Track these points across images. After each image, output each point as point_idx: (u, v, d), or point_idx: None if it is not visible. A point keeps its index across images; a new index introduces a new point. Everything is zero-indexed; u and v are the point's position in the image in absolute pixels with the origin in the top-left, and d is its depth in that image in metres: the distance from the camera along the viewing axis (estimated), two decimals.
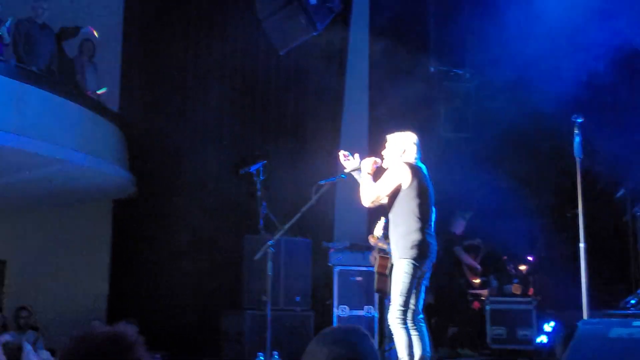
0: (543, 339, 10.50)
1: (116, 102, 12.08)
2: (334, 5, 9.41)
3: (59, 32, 10.85)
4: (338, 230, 12.41)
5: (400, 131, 6.84)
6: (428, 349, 6.58)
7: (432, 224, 6.62)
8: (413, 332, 6.43)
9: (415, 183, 6.45)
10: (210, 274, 11.66)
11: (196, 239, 11.72)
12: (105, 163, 10.34)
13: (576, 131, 6.77)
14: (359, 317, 10.14)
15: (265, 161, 9.79)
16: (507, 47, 10.89)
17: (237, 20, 12.29)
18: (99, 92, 11.25)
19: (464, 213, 11.52)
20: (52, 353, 9.92)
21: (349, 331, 2.63)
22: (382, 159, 6.74)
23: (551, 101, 10.61)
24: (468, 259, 11.41)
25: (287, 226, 7.71)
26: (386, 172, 6.56)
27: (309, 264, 10.39)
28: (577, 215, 6.92)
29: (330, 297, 10.29)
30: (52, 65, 10.37)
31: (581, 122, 6.76)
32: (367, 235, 7.74)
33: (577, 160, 6.78)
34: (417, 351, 6.42)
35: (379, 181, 6.54)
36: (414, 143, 6.70)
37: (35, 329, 10.67)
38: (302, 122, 12.62)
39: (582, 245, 6.66)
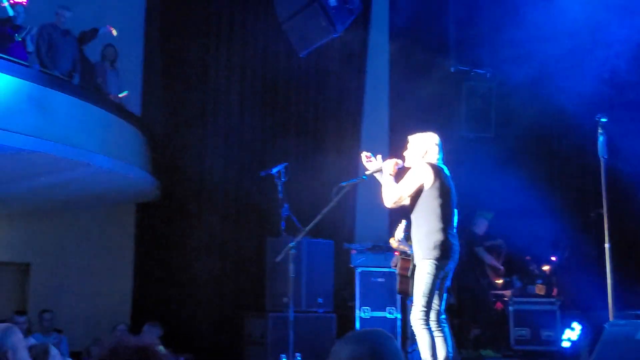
0: (570, 336, 10.40)
1: (138, 106, 12.13)
2: (354, 6, 9.40)
3: (79, 37, 10.92)
4: (359, 232, 12.40)
5: (422, 132, 6.82)
6: (451, 350, 6.56)
7: (455, 224, 6.59)
8: (436, 334, 6.40)
9: (437, 183, 6.43)
10: (233, 276, 11.69)
11: (219, 241, 11.76)
12: (128, 166, 10.37)
13: (600, 130, 6.72)
14: (381, 318, 10.12)
15: (287, 163, 9.78)
16: (528, 46, 10.85)
17: (258, 23, 12.31)
18: (120, 95, 11.30)
19: (485, 213, 11.48)
20: (77, 356, 9.96)
21: (372, 332, 2.63)
22: (403, 160, 6.72)
23: (573, 100, 10.56)
24: (490, 260, 11.36)
25: (308, 228, 7.70)
26: (408, 173, 6.54)
27: (331, 265, 10.38)
28: (601, 215, 6.87)
29: (353, 298, 10.27)
30: (74, 70, 10.44)
31: (605, 121, 6.70)
32: (389, 237, 7.73)
33: (602, 160, 6.72)
34: (441, 352, 6.39)
35: (401, 182, 6.52)
36: (436, 144, 6.67)
37: (59, 331, 10.75)
38: (323, 123, 12.62)
39: (607, 245, 6.60)
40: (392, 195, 6.52)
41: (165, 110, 12.17)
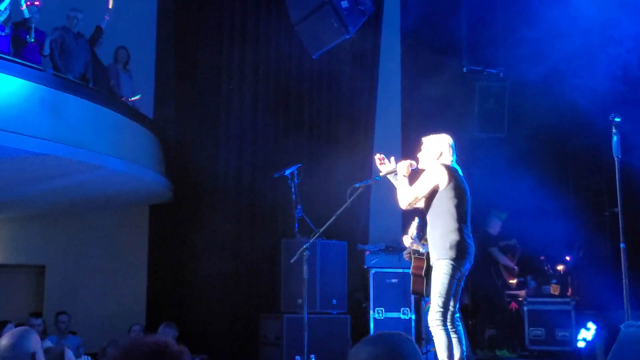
0: (585, 336, 10.37)
1: (151, 108, 12.17)
2: (366, 7, 9.40)
3: (88, 39, 10.95)
4: (373, 233, 12.39)
5: (434, 132, 6.81)
6: (465, 349, 6.55)
7: (470, 224, 6.59)
8: (452, 335, 6.40)
9: (452, 184, 6.43)
10: (248, 277, 11.70)
11: (233, 243, 11.77)
12: (141, 169, 10.40)
13: (614, 130, 6.70)
14: (395, 319, 10.12)
15: (300, 164, 9.80)
16: (540, 45, 10.82)
17: (270, 24, 12.32)
18: (133, 98, 11.34)
19: (499, 213, 11.46)
20: (92, 357, 10.00)
21: (391, 334, 2.64)
22: (417, 161, 6.72)
23: (587, 98, 10.54)
24: (505, 260, 11.34)
25: (322, 229, 7.71)
26: (423, 174, 6.53)
27: (344, 266, 10.37)
28: (616, 214, 6.84)
29: (367, 299, 10.27)
30: (87, 73, 10.48)
31: (619, 121, 6.68)
32: (402, 237, 7.72)
33: (616, 159, 6.70)
34: (456, 353, 6.39)
35: (416, 183, 6.52)
36: (450, 145, 6.67)
37: (73, 333, 10.79)
38: (336, 124, 12.62)
39: (622, 245, 6.58)
40: (407, 196, 6.52)
41: (178, 112, 12.19)
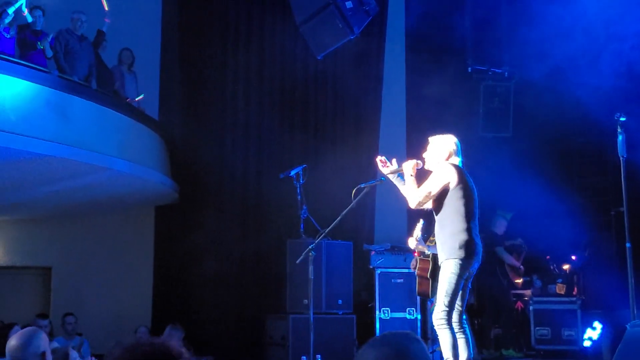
0: (591, 335, 10.36)
1: (156, 109, 12.18)
2: (370, 8, 9.40)
3: (92, 42, 10.96)
4: (378, 233, 12.39)
5: (439, 132, 6.81)
6: (472, 351, 6.55)
7: (477, 224, 6.59)
8: (459, 335, 6.40)
9: (462, 184, 6.43)
10: (253, 278, 11.70)
11: (238, 243, 11.78)
12: (147, 170, 10.42)
13: (619, 130, 6.70)
14: (401, 319, 10.13)
15: (305, 165, 9.80)
16: (545, 44, 10.82)
17: (275, 25, 12.32)
18: (137, 98, 11.34)
19: (505, 213, 11.45)
20: (99, 359, 10.02)
21: (399, 335, 2.64)
22: (423, 161, 6.71)
23: (592, 98, 10.52)
24: (510, 259, 11.33)
25: (328, 229, 7.72)
26: (433, 174, 6.52)
27: (350, 267, 10.38)
28: (621, 214, 6.84)
29: (372, 299, 10.28)
30: (91, 75, 10.50)
31: (624, 120, 6.68)
32: (408, 238, 7.73)
33: (621, 159, 6.70)
34: (463, 354, 6.38)
35: (426, 182, 6.50)
36: (456, 145, 6.67)
37: (79, 335, 10.81)
38: (341, 125, 12.62)
39: (628, 245, 6.58)
40: (417, 195, 6.50)
41: (183, 113, 12.20)
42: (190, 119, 12.12)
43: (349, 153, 12.07)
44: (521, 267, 11.45)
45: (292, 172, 9.71)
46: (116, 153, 9.58)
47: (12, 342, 4.04)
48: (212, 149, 11.97)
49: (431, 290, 7.82)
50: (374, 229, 12.48)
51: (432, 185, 6.46)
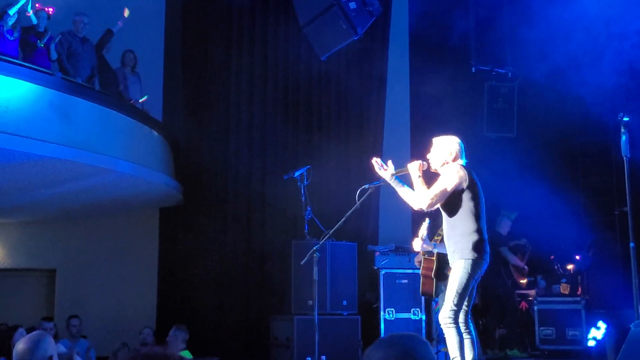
0: (595, 335, 10.35)
1: (160, 110, 12.18)
2: (374, 9, 9.40)
3: (97, 43, 10.97)
4: (383, 234, 12.39)
5: (443, 133, 6.80)
6: (477, 351, 6.55)
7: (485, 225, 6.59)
8: (465, 335, 6.39)
9: (472, 184, 6.43)
10: (258, 279, 11.71)
11: (243, 245, 11.79)
12: (151, 172, 10.42)
13: (623, 129, 6.69)
14: (405, 319, 10.13)
15: (309, 166, 9.81)
16: (548, 44, 10.81)
17: (278, 26, 12.33)
18: (140, 100, 11.35)
19: (509, 213, 11.45)
20: None
21: (404, 336, 2.64)
22: (427, 162, 6.69)
23: (596, 97, 10.51)
24: (515, 260, 11.33)
25: (332, 230, 7.72)
26: (445, 174, 6.48)
27: (354, 267, 10.39)
28: (625, 213, 6.84)
29: (377, 300, 10.28)
30: (94, 76, 10.51)
31: (627, 120, 6.67)
32: (412, 238, 7.72)
33: (625, 158, 6.69)
34: (468, 355, 6.38)
35: (438, 183, 6.46)
36: (460, 146, 6.65)
37: (84, 337, 10.82)
38: (345, 125, 12.62)
39: (631, 244, 6.57)
40: (428, 196, 6.43)
41: (186, 114, 12.22)
42: (194, 120, 12.12)
43: (353, 154, 12.08)
44: (525, 267, 11.44)
45: (296, 173, 9.72)
46: (120, 155, 9.58)
47: (20, 345, 4.05)
48: (216, 150, 11.97)
49: (435, 290, 7.83)
50: (378, 230, 12.48)
51: (446, 186, 6.40)
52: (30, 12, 9.64)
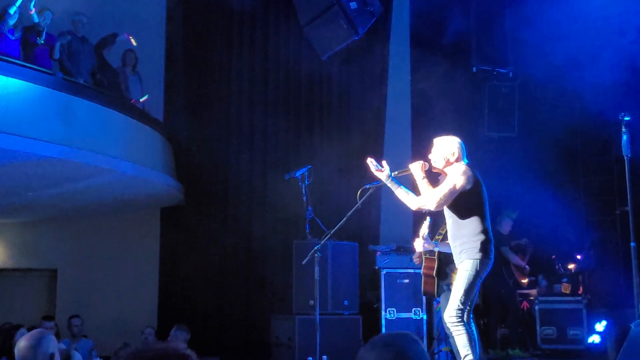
0: (595, 338, 10.37)
1: (161, 110, 12.18)
2: (375, 8, 9.41)
3: (98, 43, 10.98)
4: (384, 233, 12.40)
5: (445, 132, 6.79)
6: (478, 351, 6.54)
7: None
8: None
9: (478, 184, 6.43)
10: (259, 279, 11.72)
11: (244, 244, 11.80)
12: (152, 171, 10.43)
13: (624, 129, 6.69)
14: (407, 319, 10.13)
15: (310, 166, 9.80)
16: (549, 44, 10.82)
17: (279, 26, 12.34)
18: (141, 99, 11.35)
19: (510, 213, 11.44)
20: None
21: (398, 336, 2.65)
22: (429, 162, 6.67)
23: (596, 96, 10.51)
24: (516, 259, 11.32)
25: (333, 230, 7.72)
26: (451, 175, 6.45)
27: (356, 267, 10.38)
28: (626, 213, 6.84)
29: (378, 300, 10.28)
30: (93, 77, 10.52)
31: (628, 120, 6.67)
32: (413, 238, 7.72)
33: (626, 158, 6.69)
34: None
35: (445, 183, 6.44)
36: (461, 146, 6.63)
37: (85, 337, 10.83)
38: (346, 125, 12.63)
39: (632, 244, 6.56)
40: (437, 196, 6.40)
41: (188, 114, 12.22)
42: (195, 120, 12.13)
43: (354, 153, 12.07)
44: (527, 266, 11.44)
45: (298, 173, 9.71)
46: (121, 155, 9.58)
47: (22, 343, 4.06)
48: (217, 150, 11.98)
49: (437, 290, 7.82)
50: (379, 230, 12.49)
51: (454, 186, 6.37)
52: (33, 10, 9.62)
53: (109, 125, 9.59)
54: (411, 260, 9.88)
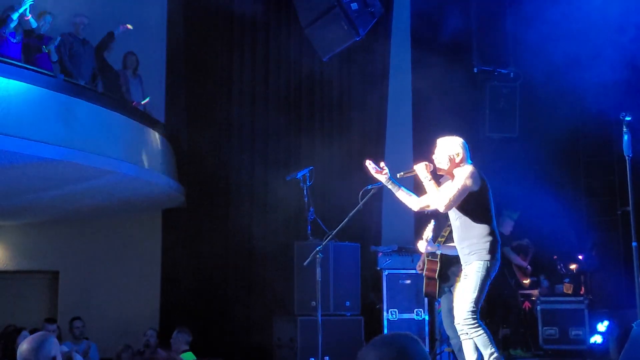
0: (597, 339, 10.37)
1: (162, 112, 12.19)
2: (376, 9, 9.41)
3: (98, 44, 10.97)
4: (386, 234, 12.39)
5: (446, 133, 6.77)
6: (480, 352, 6.53)
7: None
8: (470, 338, 6.36)
9: (484, 186, 6.42)
10: (261, 280, 11.72)
11: (245, 246, 11.80)
12: (153, 173, 10.43)
13: (625, 129, 6.69)
14: (408, 320, 10.13)
15: (312, 167, 9.80)
16: (550, 44, 10.81)
17: (280, 28, 12.35)
18: (143, 102, 11.36)
19: (511, 213, 11.43)
20: None
21: (398, 336, 2.66)
22: (433, 163, 6.64)
23: (597, 97, 10.51)
24: (517, 259, 11.32)
25: (335, 231, 7.72)
26: (459, 176, 6.41)
27: (357, 268, 10.37)
28: (628, 213, 6.84)
29: (380, 301, 10.28)
30: (95, 79, 10.52)
31: (629, 120, 6.67)
32: (415, 239, 7.73)
33: (627, 158, 6.69)
34: (472, 355, 6.37)
35: (454, 185, 6.41)
36: (465, 147, 6.60)
37: (87, 339, 10.83)
38: (347, 126, 12.62)
39: (634, 244, 6.56)
40: (446, 197, 6.36)
41: (189, 116, 12.23)
42: (196, 122, 12.14)
43: (356, 154, 12.06)
44: (528, 267, 11.43)
45: (299, 174, 9.71)
46: (122, 156, 9.59)
47: (24, 346, 4.08)
48: (219, 151, 11.99)
49: (438, 291, 7.82)
50: (381, 231, 12.48)
51: (463, 187, 6.33)
52: (29, 17, 9.61)
53: (109, 126, 9.60)
54: (413, 261, 9.91)
